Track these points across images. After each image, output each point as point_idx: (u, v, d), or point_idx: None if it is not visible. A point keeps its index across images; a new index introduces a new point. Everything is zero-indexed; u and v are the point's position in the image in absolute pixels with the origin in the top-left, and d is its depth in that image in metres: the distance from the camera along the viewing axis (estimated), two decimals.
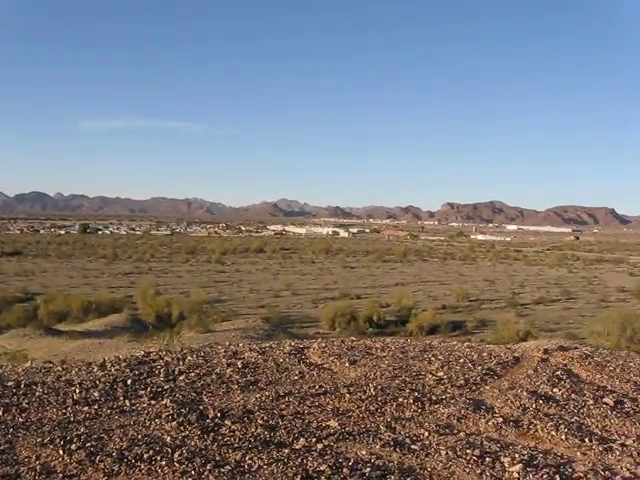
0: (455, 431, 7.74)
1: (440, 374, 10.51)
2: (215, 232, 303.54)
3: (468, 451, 6.95)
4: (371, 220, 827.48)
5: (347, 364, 11.22)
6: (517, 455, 6.92)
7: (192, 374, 10.51)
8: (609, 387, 10.26)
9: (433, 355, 11.95)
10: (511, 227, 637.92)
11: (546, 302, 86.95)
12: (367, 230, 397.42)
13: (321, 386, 9.73)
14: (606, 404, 9.15)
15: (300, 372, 10.74)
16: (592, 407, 9.01)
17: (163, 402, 8.76)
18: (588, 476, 6.49)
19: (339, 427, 7.76)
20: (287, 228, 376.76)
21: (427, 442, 7.28)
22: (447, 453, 6.89)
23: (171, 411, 8.27)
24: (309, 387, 9.66)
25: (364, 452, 6.89)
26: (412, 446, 7.11)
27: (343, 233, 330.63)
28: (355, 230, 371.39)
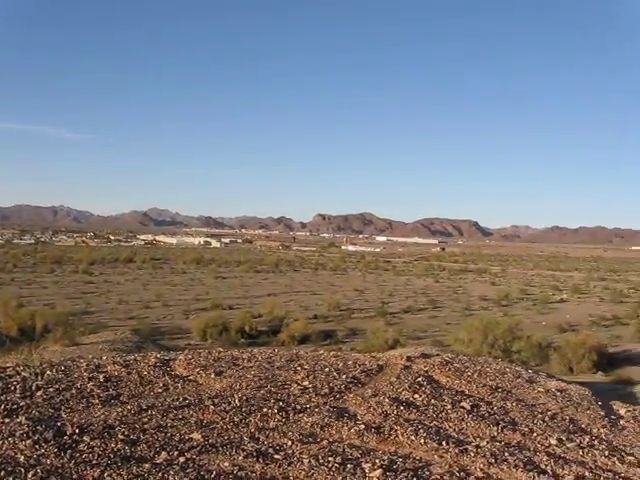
0: (318, 439, 7.81)
1: (305, 383, 10.59)
2: (83, 241, 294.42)
3: (330, 458, 7.02)
4: (243, 230, 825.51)
5: (213, 375, 11.11)
6: (377, 460, 7.06)
7: (51, 389, 10.08)
8: (467, 392, 10.65)
9: (299, 365, 12.02)
10: (381, 238, 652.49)
11: (414, 311, 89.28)
12: (239, 240, 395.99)
13: (185, 398, 9.57)
14: (463, 408, 9.50)
15: (164, 384, 10.54)
16: (450, 411, 9.32)
17: (18, 420, 8.35)
18: (444, 478, 6.71)
19: (202, 439, 7.66)
20: (158, 238, 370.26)
21: (290, 451, 7.31)
22: (310, 461, 6.94)
23: (26, 429, 7.88)
24: (173, 400, 9.50)
25: (227, 464, 6.84)
26: (275, 456, 7.12)
27: (215, 243, 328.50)
28: (227, 240, 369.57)
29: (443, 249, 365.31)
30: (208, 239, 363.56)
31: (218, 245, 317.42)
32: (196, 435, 7.81)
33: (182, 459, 6.97)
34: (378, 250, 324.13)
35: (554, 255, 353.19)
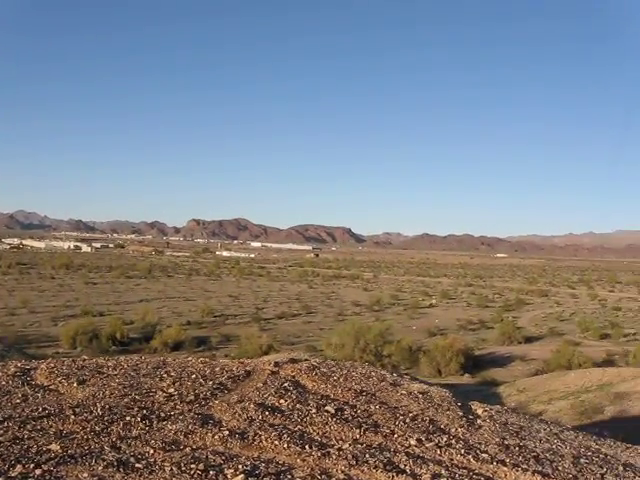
0: (181, 447, 7.73)
1: (171, 390, 10.45)
2: None
3: (193, 465, 6.97)
4: (115, 235, 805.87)
5: (75, 384, 10.78)
6: (240, 466, 7.06)
7: None
8: (332, 396, 10.80)
9: (166, 372, 11.85)
10: (255, 244, 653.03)
11: (288, 316, 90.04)
12: (111, 245, 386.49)
13: (45, 408, 9.24)
14: (328, 412, 9.63)
15: (24, 395, 10.14)
16: (315, 415, 9.43)
17: None
18: None
19: (61, 450, 7.42)
20: (25, 242, 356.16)
21: (152, 460, 7.20)
22: (172, 469, 6.86)
23: None
24: (32, 410, 9.14)
25: (86, 475, 6.66)
26: (136, 465, 6.99)
27: (86, 248, 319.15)
28: (98, 245, 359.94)
29: (317, 255, 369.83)
30: (78, 243, 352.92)
31: (89, 250, 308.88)
32: (55, 446, 7.56)
33: (38, 471, 6.73)
34: (253, 256, 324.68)
35: (424, 262, 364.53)
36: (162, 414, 9.10)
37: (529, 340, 79.92)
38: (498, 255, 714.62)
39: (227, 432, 8.33)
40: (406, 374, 17.52)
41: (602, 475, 8.03)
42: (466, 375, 55.87)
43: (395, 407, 10.32)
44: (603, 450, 9.40)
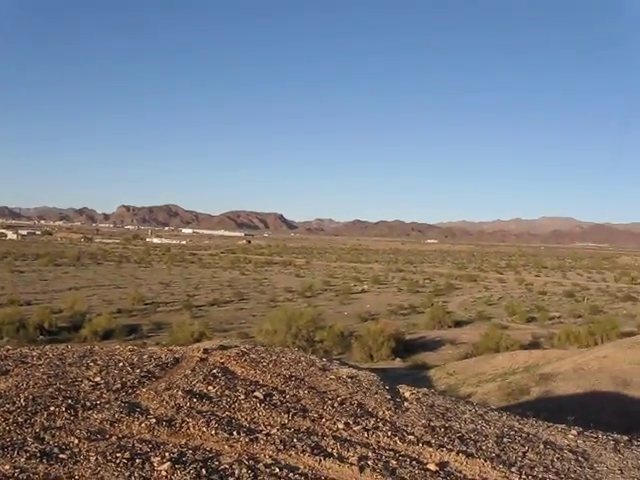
0: (107, 436, 7.63)
1: (97, 379, 10.29)
2: None
3: (118, 454, 6.90)
4: (43, 222, 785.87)
5: None
6: (167, 454, 7.03)
7: None
8: (261, 382, 10.82)
9: (92, 360, 11.65)
10: (187, 231, 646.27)
11: (220, 303, 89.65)
12: (38, 232, 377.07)
13: None
14: (256, 397, 9.65)
15: None
16: (243, 401, 9.44)
17: None
18: (233, 467, 6.80)
19: None
20: None
21: (77, 450, 7.09)
22: (97, 459, 6.78)
23: None
24: None
25: (7, 467, 6.51)
26: (60, 455, 6.88)
27: (11, 235, 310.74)
28: (25, 232, 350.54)
29: (249, 242, 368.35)
30: (3, 230, 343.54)
31: (15, 237, 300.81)
32: None
33: None
34: (184, 243, 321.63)
35: (356, 248, 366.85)
36: (88, 403, 8.96)
37: (459, 324, 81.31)
38: (428, 241, 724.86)
39: (154, 420, 8.27)
40: (337, 359, 17.66)
41: (524, 453, 8.26)
42: (397, 359, 56.50)
43: (324, 392, 10.40)
44: (525, 429, 9.65)
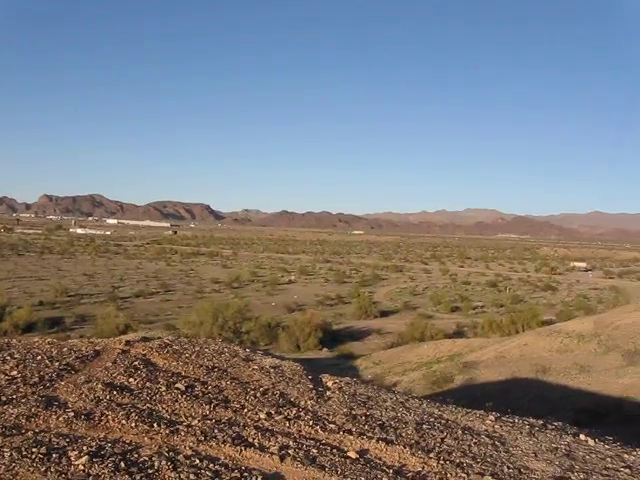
0: (23, 430, 7.47)
1: (14, 373, 10.05)
2: None
3: (34, 450, 6.76)
4: None
5: None
6: (85, 447, 6.92)
7: None
8: (183, 373, 10.75)
9: (9, 354, 11.35)
10: (111, 221, 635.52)
11: (145, 295, 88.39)
12: None
13: None
14: (178, 389, 9.59)
15: None
16: (164, 393, 9.37)
17: None
18: (153, 459, 6.75)
19: None
20: None
21: None
22: (11, 454, 6.62)
23: None
24: None
25: None
26: None
27: None
28: None
29: (175, 232, 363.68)
30: None
31: None
32: None
33: None
34: (109, 233, 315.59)
35: (283, 239, 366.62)
36: (3, 398, 8.75)
37: (385, 314, 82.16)
38: (355, 232, 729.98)
39: (72, 413, 8.13)
40: (264, 350, 17.67)
41: (442, 439, 8.44)
42: (325, 349, 56.80)
43: (246, 382, 10.40)
44: (445, 416, 9.85)
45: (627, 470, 8.06)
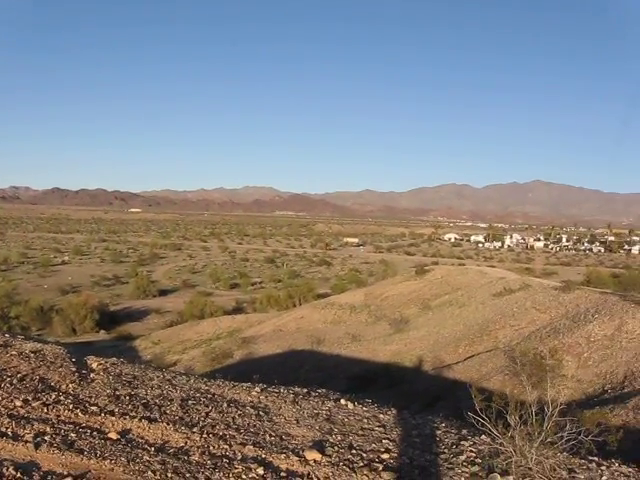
0: None
1: None
2: None
3: None
4: None
5: None
6: None
7: None
8: None
9: None
10: None
11: None
12: None
13: None
14: None
15: None
16: None
17: None
18: None
19: None
20: None
21: None
22: None
23: None
24: None
25: None
26: None
27: None
28: None
29: None
30: None
31: None
32: None
33: None
34: None
35: (55, 217, 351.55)
36: None
37: (164, 293, 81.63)
38: (132, 210, 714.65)
39: None
40: (39, 335, 16.86)
41: (207, 413, 8.50)
42: (102, 331, 55.47)
43: (3, 369, 9.83)
44: (212, 390, 9.92)
45: (381, 429, 8.61)
